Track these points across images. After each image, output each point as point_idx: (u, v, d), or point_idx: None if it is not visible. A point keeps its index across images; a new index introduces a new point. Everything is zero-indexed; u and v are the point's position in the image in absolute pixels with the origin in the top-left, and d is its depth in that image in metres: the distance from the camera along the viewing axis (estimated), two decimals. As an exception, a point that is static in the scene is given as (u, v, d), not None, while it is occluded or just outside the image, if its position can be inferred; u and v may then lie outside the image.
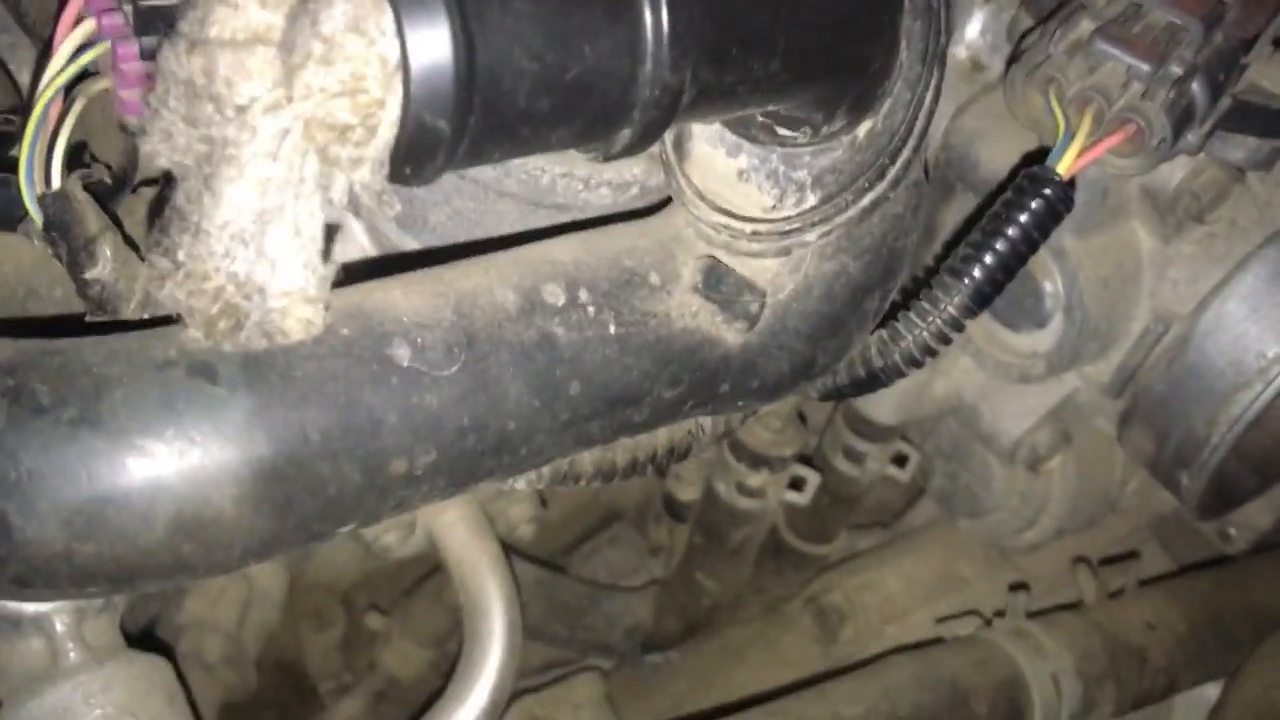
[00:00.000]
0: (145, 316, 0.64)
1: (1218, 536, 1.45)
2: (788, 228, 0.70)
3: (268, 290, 0.49)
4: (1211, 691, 1.25)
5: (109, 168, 0.75)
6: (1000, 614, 1.25)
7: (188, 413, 0.54)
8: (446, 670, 1.17)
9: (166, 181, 0.54)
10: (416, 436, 0.59)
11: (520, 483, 0.82)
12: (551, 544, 1.74)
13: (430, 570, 1.57)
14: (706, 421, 0.83)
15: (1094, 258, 1.03)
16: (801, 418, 1.25)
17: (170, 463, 0.53)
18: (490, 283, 0.64)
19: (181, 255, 0.51)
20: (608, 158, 0.61)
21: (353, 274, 0.63)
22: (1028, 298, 1.08)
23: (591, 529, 1.75)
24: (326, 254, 0.52)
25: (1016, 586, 1.31)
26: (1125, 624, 1.21)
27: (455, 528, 1.17)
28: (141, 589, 0.60)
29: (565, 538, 1.77)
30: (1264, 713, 1.12)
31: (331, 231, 0.52)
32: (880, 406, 1.24)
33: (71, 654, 0.89)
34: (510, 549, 1.32)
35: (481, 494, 1.27)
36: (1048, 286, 1.06)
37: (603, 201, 0.77)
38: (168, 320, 0.56)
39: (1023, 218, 0.76)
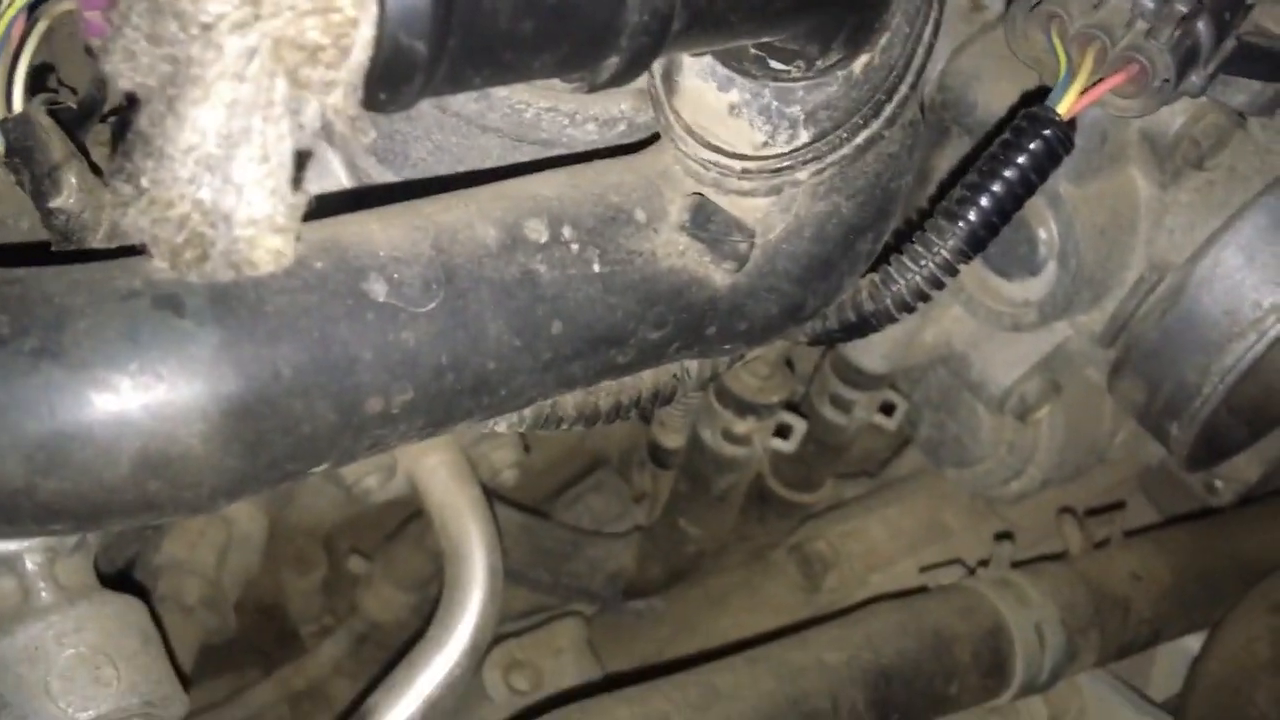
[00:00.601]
0: (113, 247, 0.62)
1: (1204, 489, 1.45)
2: (779, 165, 0.67)
3: (234, 218, 0.47)
4: (1194, 642, 1.25)
5: (74, 92, 0.72)
6: (985, 563, 1.24)
7: (153, 346, 0.52)
8: (428, 614, 1.16)
9: (130, 104, 0.51)
10: (393, 374, 0.58)
11: (501, 425, 0.80)
12: (535, 490, 1.73)
13: (413, 514, 1.56)
14: (692, 365, 0.81)
15: (1090, 204, 1.01)
16: (789, 365, 1.23)
17: (135, 397, 0.51)
18: (471, 217, 0.62)
19: (145, 181, 0.49)
20: (593, 88, 0.58)
21: (329, 206, 0.61)
22: (1021, 245, 1.06)
23: (576, 475, 1.74)
24: (298, 182, 0.50)
25: (1001, 536, 1.31)
26: (1110, 574, 1.21)
27: (436, 472, 1.16)
28: (108, 526, 0.58)
29: (549, 484, 1.77)
30: (1246, 665, 1.12)
31: (303, 159, 0.50)
32: (869, 354, 1.23)
33: (43, 593, 0.88)
34: (493, 494, 1.31)
35: (463, 438, 1.25)
36: (1042, 233, 1.04)
37: (589, 137, 0.75)
38: (134, 251, 0.54)
39: (1020, 159, 0.74)
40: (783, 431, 1.24)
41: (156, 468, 0.52)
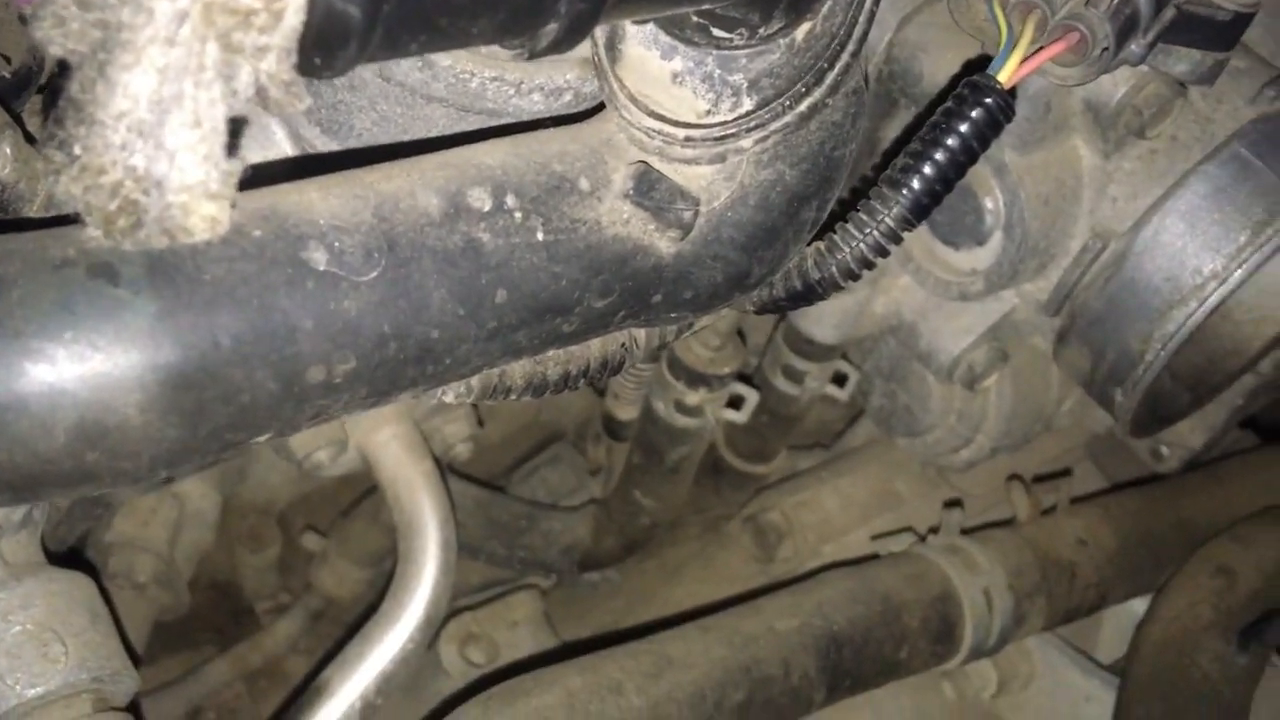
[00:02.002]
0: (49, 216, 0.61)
1: (1150, 455, 1.47)
2: (722, 133, 0.68)
3: (166, 184, 0.47)
4: (1140, 606, 1.28)
5: (9, 62, 0.71)
6: (935, 530, 1.26)
7: (88, 315, 0.51)
8: (384, 589, 1.16)
9: (61, 71, 0.51)
10: (334, 343, 0.57)
11: (449, 395, 0.80)
12: (491, 465, 1.73)
13: (367, 490, 1.56)
14: (640, 334, 0.81)
15: (1035, 174, 1.02)
16: (741, 336, 1.24)
17: (70, 367, 0.51)
18: (413, 186, 0.62)
19: (77, 148, 0.48)
20: (533, 55, 0.58)
21: (270, 175, 0.61)
22: (968, 214, 1.07)
23: (532, 450, 1.75)
24: (233, 149, 0.49)
25: (951, 503, 1.32)
26: (1057, 540, 1.22)
27: (389, 446, 1.15)
28: (46, 498, 0.58)
29: (505, 458, 1.77)
30: (1189, 627, 1.15)
31: (239, 125, 0.49)
32: (820, 325, 1.24)
33: (-12, 571, 0.87)
34: (447, 468, 1.31)
35: (416, 411, 1.25)
36: (988, 203, 1.05)
37: (535, 107, 0.75)
38: (70, 220, 0.54)
39: (962, 127, 0.74)
40: (735, 403, 1.25)
41: (93, 439, 0.52)
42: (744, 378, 1.28)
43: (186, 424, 0.54)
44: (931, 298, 1.17)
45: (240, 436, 0.57)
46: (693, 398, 1.18)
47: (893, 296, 1.20)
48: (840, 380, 1.31)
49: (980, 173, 1.03)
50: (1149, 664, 1.13)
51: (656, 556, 1.53)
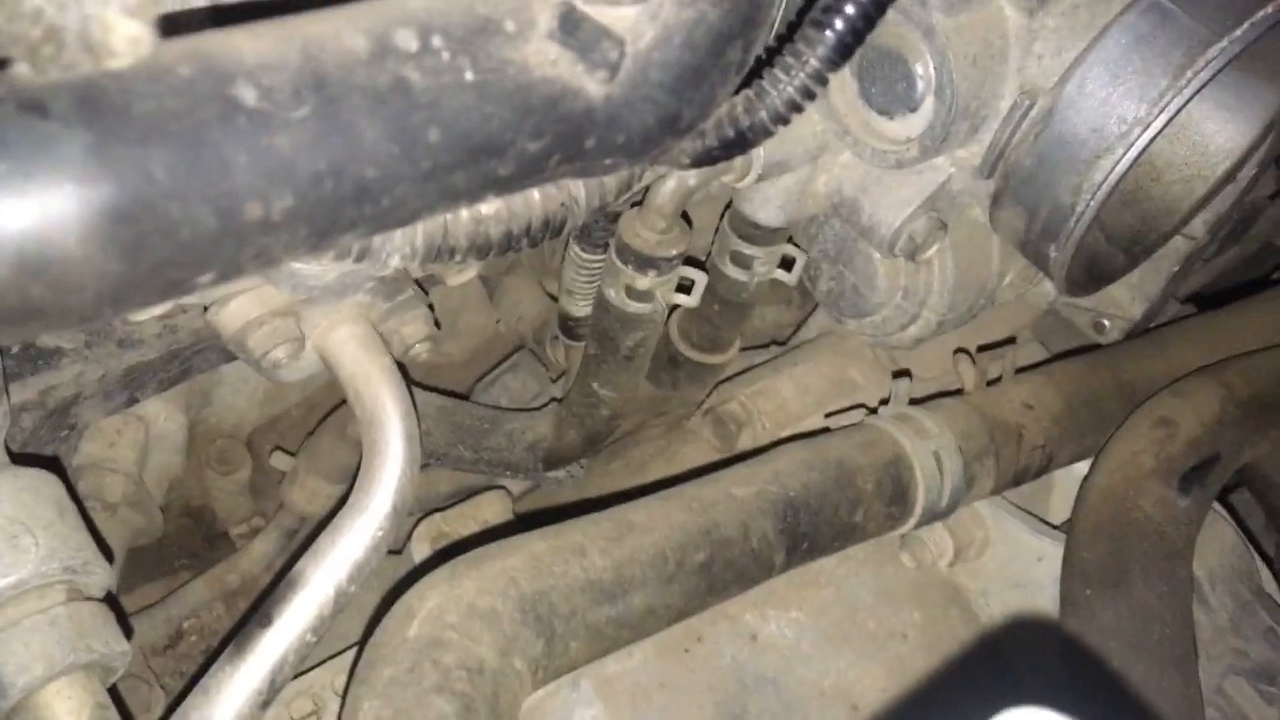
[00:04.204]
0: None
1: (1092, 328, 1.51)
2: (643, -28, 0.69)
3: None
4: (1087, 469, 1.31)
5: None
6: (885, 403, 1.29)
7: (20, 148, 0.52)
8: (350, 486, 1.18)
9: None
10: (270, 180, 0.59)
11: (395, 259, 0.82)
12: (456, 384, 1.75)
13: (333, 408, 1.57)
14: (580, 193, 0.83)
15: (963, 35, 1.04)
16: (687, 220, 1.25)
17: (7, 202, 0.52)
18: (338, 28, 0.63)
19: (-3, -22, 0.50)
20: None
21: (190, 25, 0.62)
22: (900, 82, 1.09)
23: (494, 365, 1.77)
24: (151, -27, 0.51)
25: (899, 374, 1.35)
26: (1003, 404, 1.26)
27: (346, 344, 1.16)
28: (-3, 341, 0.59)
29: (469, 376, 1.79)
30: (1131, 474, 1.18)
31: (156, -50, 0.51)
32: (765, 208, 1.26)
33: (-48, 466, 0.88)
34: (411, 381, 1.32)
35: (372, 315, 1.26)
36: (919, 68, 1.07)
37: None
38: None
39: (880, -35, 0.76)
40: (684, 287, 1.27)
41: (36, 272, 0.53)
42: (694, 263, 1.30)
43: (127, 258, 0.56)
44: (871, 172, 1.19)
45: (183, 274, 0.59)
46: (643, 282, 1.20)
47: (834, 174, 1.22)
48: (788, 264, 1.34)
49: (909, 38, 1.05)
50: (1094, 511, 1.17)
51: (621, 457, 1.56)
